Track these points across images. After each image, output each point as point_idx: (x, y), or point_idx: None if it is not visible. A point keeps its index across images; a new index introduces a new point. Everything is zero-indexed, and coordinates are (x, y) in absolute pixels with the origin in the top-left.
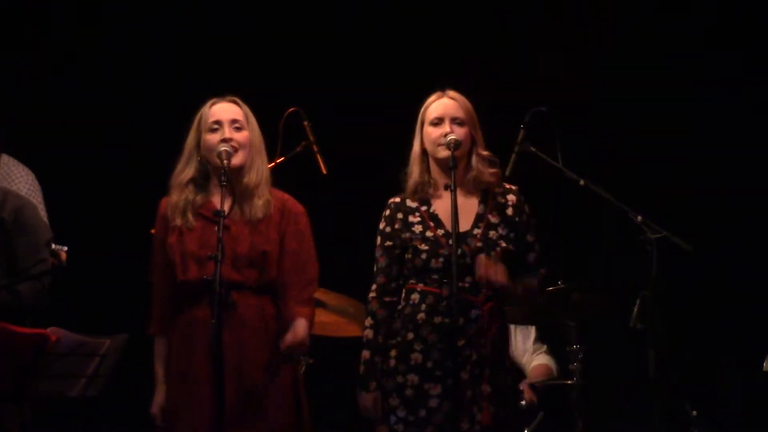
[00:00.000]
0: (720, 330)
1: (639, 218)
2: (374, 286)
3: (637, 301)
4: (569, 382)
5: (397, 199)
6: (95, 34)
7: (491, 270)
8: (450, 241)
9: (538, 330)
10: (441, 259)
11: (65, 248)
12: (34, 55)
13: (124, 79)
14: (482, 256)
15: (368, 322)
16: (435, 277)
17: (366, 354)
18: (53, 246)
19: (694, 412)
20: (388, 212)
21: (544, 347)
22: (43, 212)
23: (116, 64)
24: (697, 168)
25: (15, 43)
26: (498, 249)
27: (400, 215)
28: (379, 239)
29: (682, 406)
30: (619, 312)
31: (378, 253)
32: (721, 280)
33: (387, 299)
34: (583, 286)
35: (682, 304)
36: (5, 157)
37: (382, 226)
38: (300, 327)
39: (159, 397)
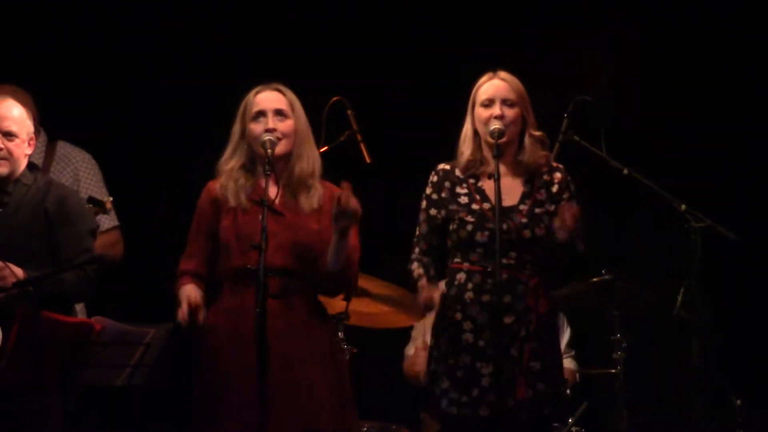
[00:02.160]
0: (764, 318)
1: (683, 207)
2: (416, 250)
3: (681, 290)
4: (613, 371)
5: (447, 167)
6: (138, 20)
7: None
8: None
9: (572, 333)
10: (486, 233)
11: (110, 198)
12: (73, 43)
13: (173, 66)
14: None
15: (415, 274)
16: (480, 251)
17: (423, 281)
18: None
19: (738, 401)
20: (435, 178)
21: (572, 352)
22: (104, 191)
23: (163, 50)
24: (741, 156)
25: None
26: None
27: (447, 184)
28: (424, 203)
29: (726, 395)
30: (662, 301)
31: (421, 217)
32: (765, 268)
33: (426, 260)
34: (627, 275)
35: (726, 293)
36: (61, 143)
37: (428, 191)
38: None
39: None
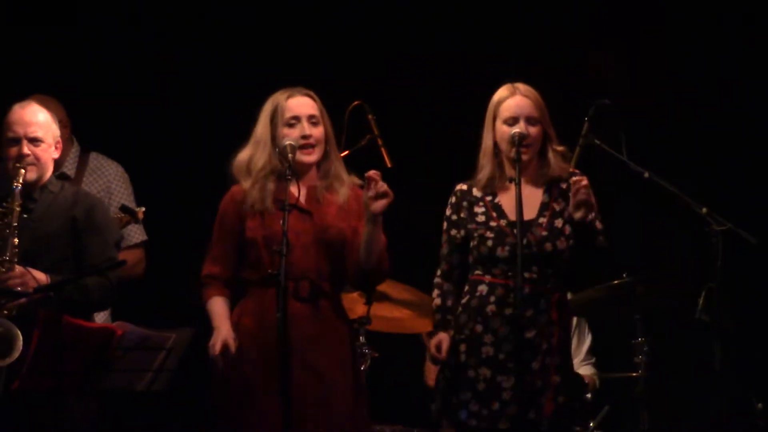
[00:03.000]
0: None
1: (704, 210)
2: (438, 272)
3: (703, 294)
4: (634, 375)
5: (464, 187)
6: (159, 25)
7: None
8: (515, 230)
9: (593, 340)
10: (507, 248)
11: (143, 208)
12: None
13: (191, 72)
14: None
15: (434, 303)
16: (502, 266)
17: (438, 316)
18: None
19: (759, 405)
20: (454, 199)
21: (593, 359)
22: (133, 203)
23: (187, 58)
24: (763, 160)
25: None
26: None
27: (465, 204)
28: (444, 225)
29: (748, 399)
30: (684, 305)
31: (443, 239)
32: None
33: (447, 287)
34: (648, 278)
35: (747, 296)
36: (94, 154)
37: (448, 212)
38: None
39: (223, 331)
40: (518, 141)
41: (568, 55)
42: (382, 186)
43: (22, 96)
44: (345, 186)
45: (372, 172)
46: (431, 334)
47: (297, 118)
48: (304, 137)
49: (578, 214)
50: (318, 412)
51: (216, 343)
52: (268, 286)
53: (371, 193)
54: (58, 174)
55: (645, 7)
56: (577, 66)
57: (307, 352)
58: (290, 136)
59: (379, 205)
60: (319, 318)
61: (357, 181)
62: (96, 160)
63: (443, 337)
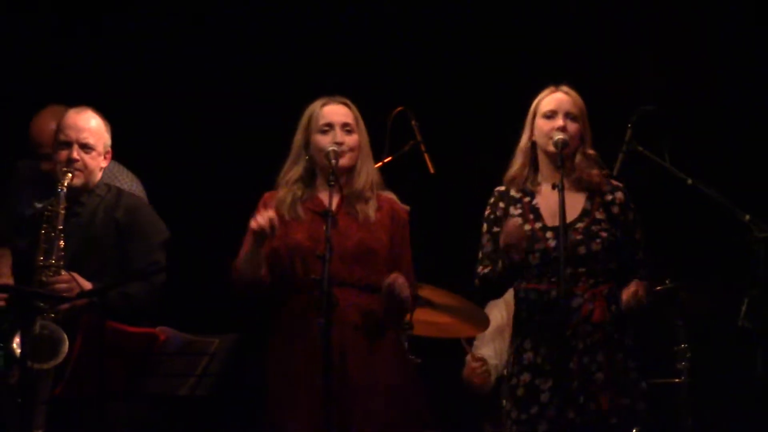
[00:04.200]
0: None
1: (747, 217)
2: (479, 267)
3: (745, 300)
4: (677, 381)
5: (503, 188)
6: (196, 31)
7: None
8: (547, 234)
9: (633, 344)
10: (537, 255)
11: None
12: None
13: (230, 78)
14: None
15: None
16: (533, 271)
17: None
18: None
19: None
20: (492, 200)
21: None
22: None
23: (221, 62)
24: None
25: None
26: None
27: (502, 204)
28: (485, 225)
29: None
30: (726, 311)
31: (484, 238)
32: None
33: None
34: (691, 285)
35: None
36: (111, 163)
37: (487, 212)
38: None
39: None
40: (561, 146)
41: (612, 61)
42: (398, 296)
43: (37, 105)
44: (374, 197)
45: (390, 280)
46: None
47: (330, 125)
48: (337, 144)
49: (627, 307)
50: (361, 418)
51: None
52: (302, 293)
53: (385, 300)
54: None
55: (690, 13)
56: (622, 72)
57: (344, 358)
58: (322, 142)
59: (394, 310)
60: (339, 322)
61: (391, 195)
62: (111, 171)
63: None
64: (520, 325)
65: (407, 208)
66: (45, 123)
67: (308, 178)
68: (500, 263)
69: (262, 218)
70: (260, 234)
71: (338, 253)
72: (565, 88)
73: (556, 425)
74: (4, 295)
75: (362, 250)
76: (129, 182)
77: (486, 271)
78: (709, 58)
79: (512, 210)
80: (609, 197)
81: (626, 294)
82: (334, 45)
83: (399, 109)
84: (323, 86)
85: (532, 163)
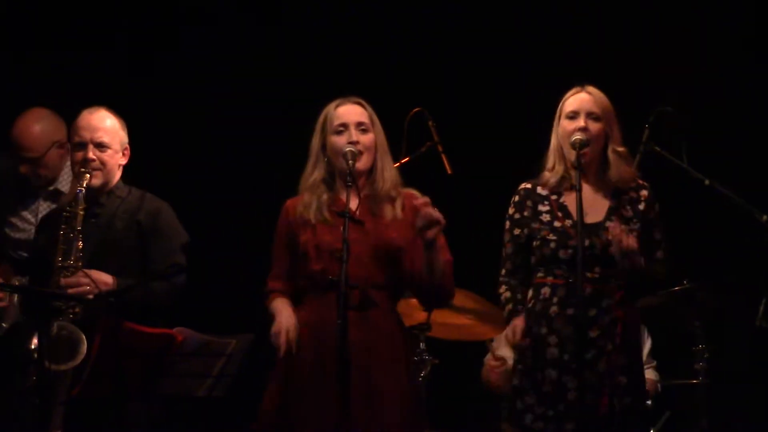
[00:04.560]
0: None
1: (764, 217)
2: (503, 271)
3: (763, 301)
4: (695, 381)
5: (528, 186)
6: (214, 32)
7: (624, 235)
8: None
9: (653, 343)
10: (570, 251)
11: None
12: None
13: (248, 80)
14: (616, 223)
15: (503, 297)
16: (564, 267)
17: (509, 306)
18: None
19: None
20: (517, 198)
21: (654, 363)
22: None
23: (240, 65)
24: None
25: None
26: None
27: (529, 203)
28: (507, 224)
29: None
30: (744, 311)
31: (506, 238)
32: None
33: (514, 282)
34: (709, 285)
35: None
36: None
37: (511, 211)
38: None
39: (284, 315)
40: (579, 146)
41: (630, 62)
42: (431, 214)
43: (23, 109)
44: (398, 196)
45: (421, 201)
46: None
47: (345, 125)
48: (351, 143)
49: (613, 251)
50: (367, 420)
51: (279, 332)
52: (323, 293)
53: (420, 222)
54: (52, 190)
55: (706, 13)
56: (639, 72)
57: (358, 358)
58: (338, 143)
59: (431, 232)
60: (369, 326)
61: (412, 192)
62: None
63: (518, 322)
64: (546, 318)
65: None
66: (27, 126)
67: (330, 181)
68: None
69: (278, 340)
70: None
71: (364, 254)
72: (589, 88)
73: (581, 424)
74: (3, 295)
75: (387, 250)
76: None
77: (503, 289)
78: (726, 58)
79: (540, 207)
80: (635, 194)
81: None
82: (351, 47)
83: (416, 110)
84: (340, 88)
85: (562, 163)
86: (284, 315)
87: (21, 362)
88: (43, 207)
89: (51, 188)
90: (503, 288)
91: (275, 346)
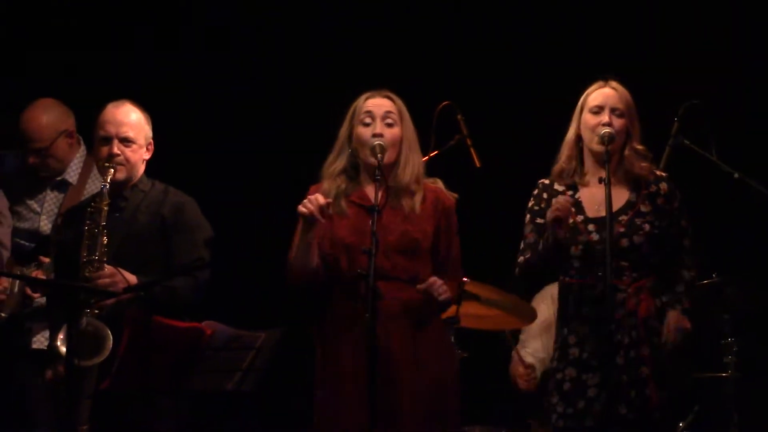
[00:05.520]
0: None
1: None
2: (520, 258)
3: None
4: (724, 375)
5: (546, 181)
6: (241, 22)
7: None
8: (589, 227)
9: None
10: (580, 246)
11: None
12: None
13: (277, 72)
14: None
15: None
16: (576, 264)
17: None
18: None
19: None
20: (536, 191)
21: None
22: None
23: (271, 57)
24: None
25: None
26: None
27: (545, 196)
28: (528, 216)
29: None
30: None
31: (527, 229)
32: None
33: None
34: (738, 279)
35: None
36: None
37: (530, 204)
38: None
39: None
40: (607, 140)
41: (659, 56)
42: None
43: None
44: (419, 189)
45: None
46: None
47: (371, 117)
48: (375, 135)
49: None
50: (400, 410)
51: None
52: (349, 286)
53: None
54: (60, 180)
55: (735, 7)
56: (668, 66)
57: (388, 351)
58: (363, 135)
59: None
60: (383, 315)
61: (438, 184)
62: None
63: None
64: (566, 319)
65: (454, 195)
66: (34, 116)
67: (352, 171)
68: (542, 243)
69: (310, 203)
70: (309, 218)
71: (382, 247)
72: (613, 83)
73: (602, 420)
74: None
75: (406, 243)
76: None
77: (527, 256)
78: (755, 51)
79: (554, 203)
80: (654, 188)
81: (667, 329)
82: (381, 40)
83: (445, 103)
84: (371, 82)
85: (578, 157)
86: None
87: (47, 357)
88: (50, 197)
89: (59, 179)
90: (521, 259)
91: (301, 213)
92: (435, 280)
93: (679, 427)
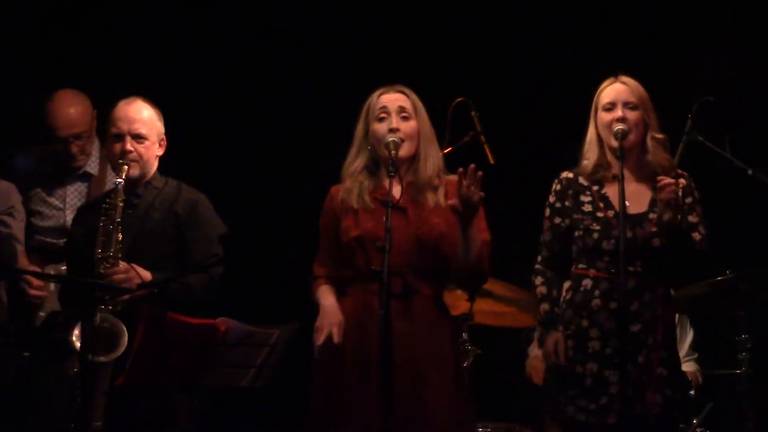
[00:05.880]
0: None
1: None
2: (539, 258)
3: None
4: (738, 372)
5: (570, 175)
6: (257, 20)
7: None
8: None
9: (695, 336)
10: (612, 241)
11: None
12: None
13: (296, 70)
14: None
15: (538, 292)
16: (606, 258)
17: (545, 306)
18: None
19: None
20: (559, 186)
21: (696, 355)
22: None
23: (284, 54)
24: None
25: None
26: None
27: (571, 192)
28: (547, 212)
29: None
30: None
31: (545, 226)
32: None
33: (549, 275)
34: (752, 275)
35: None
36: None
37: (552, 199)
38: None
39: (329, 312)
40: (621, 137)
41: (673, 52)
42: (469, 194)
43: (55, 89)
44: (441, 183)
45: (463, 175)
46: (537, 331)
47: (386, 112)
48: (392, 130)
49: (667, 216)
50: (413, 410)
51: (322, 328)
52: (366, 283)
53: (459, 198)
54: (82, 173)
55: (747, 2)
56: (682, 63)
57: (401, 348)
58: (380, 131)
59: (467, 213)
60: (413, 315)
61: (455, 178)
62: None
63: (558, 338)
64: (586, 310)
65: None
66: (68, 103)
67: (373, 168)
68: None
69: (322, 334)
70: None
71: (410, 242)
72: (623, 77)
73: (623, 417)
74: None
75: (430, 238)
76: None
77: (538, 281)
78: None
79: (582, 197)
80: None
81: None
82: (395, 37)
83: (459, 99)
84: (385, 78)
85: (603, 154)
86: (329, 311)
87: (62, 353)
88: (72, 191)
89: (81, 171)
90: (539, 280)
91: (315, 340)
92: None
93: (693, 423)
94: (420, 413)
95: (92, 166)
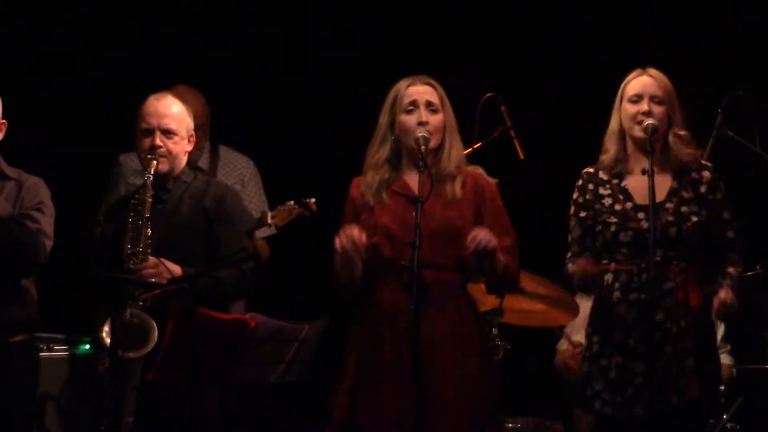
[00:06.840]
0: None
1: None
2: (569, 254)
3: None
4: None
5: (591, 170)
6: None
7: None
8: (639, 215)
9: (727, 328)
10: (630, 233)
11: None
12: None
13: (318, 61)
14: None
15: (570, 271)
16: (625, 251)
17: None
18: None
19: None
20: (580, 182)
21: (728, 347)
22: (264, 198)
23: (311, 46)
24: None
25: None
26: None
27: (591, 186)
28: (572, 209)
29: None
30: None
31: (572, 223)
32: None
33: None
34: None
35: None
36: (222, 147)
37: (575, 196)
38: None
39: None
40: (651, 132)
41: (701, 46)
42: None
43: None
44: (460, 174)
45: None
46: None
47: (415, 105)
48: (421, 123)
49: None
50: (442, 403)
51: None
52: (389, 276)
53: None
54: (194, 167)
55: None
56: (712, 56)
57: (428, 342)
58: (408, 123)
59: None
60: (426, 304)
61: (478, 170)
62: (226, 152)
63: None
64: (609, 304)
65: (495, 181)
66: (185, 98)
67: (395, 160)
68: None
69: (345, 239)
70: (345, 254)
71: (424, 235)
72: (651, 71)
73: (650, 409)
74: None
75: (447, 230)
76: (245, 162)
77: (570, 266)
78: None
79: (601, 191)
80: (696, 176)
81: (716, 302)
82: (425, 31)
83: (488, 95)
84: (413, 73)
85: (623, 147)
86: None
87: (93, 349)
88: None
89: (193, 165)
90: (570, 265)
91: (338, 247)
92: (476, 233)
93: (723, 418)
94: (442, 409)
95: (202, 161)
